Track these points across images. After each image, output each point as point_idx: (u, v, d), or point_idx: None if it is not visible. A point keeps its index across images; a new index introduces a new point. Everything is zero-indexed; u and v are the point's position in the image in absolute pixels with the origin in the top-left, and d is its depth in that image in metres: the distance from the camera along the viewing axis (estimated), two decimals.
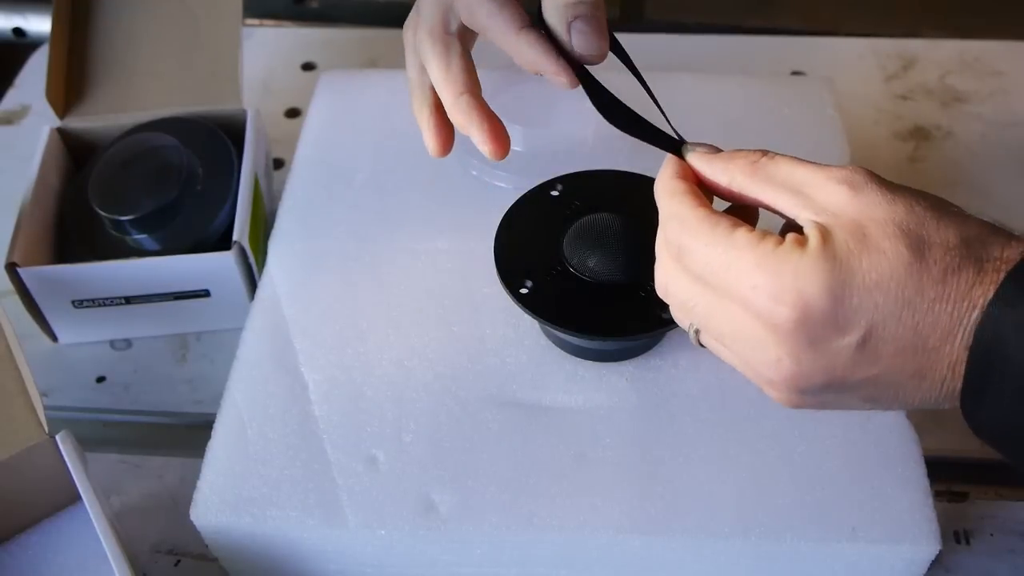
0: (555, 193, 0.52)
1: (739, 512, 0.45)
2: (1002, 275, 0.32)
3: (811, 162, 0.36)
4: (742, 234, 0.35)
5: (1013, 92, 0.78)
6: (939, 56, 0.81)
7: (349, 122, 0.63)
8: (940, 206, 0.34)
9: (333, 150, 0.62)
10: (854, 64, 0.81)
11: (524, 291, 0.48)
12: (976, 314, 0.32)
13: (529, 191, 0.53)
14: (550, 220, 0.50)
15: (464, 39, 0.46)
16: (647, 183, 0.52)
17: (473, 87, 0.46)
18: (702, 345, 0.38)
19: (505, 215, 0.52)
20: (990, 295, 0.32)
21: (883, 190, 0.34)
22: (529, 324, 0.51)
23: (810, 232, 0.34)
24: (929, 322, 0.33)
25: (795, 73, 0.80)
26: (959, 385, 0.33)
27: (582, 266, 0.48)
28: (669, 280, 0.38)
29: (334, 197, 0.59)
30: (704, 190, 0.38)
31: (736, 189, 0.37)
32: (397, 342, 0.51)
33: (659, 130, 0.41)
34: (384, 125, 0.63)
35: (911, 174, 0.72)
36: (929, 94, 0.79)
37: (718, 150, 0.39)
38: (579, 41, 0.42)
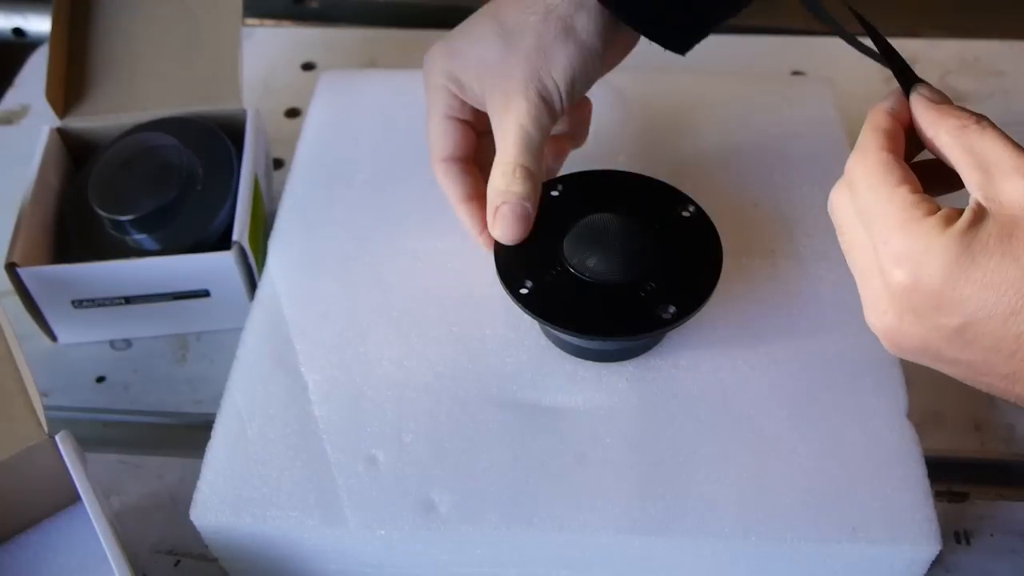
0: (555, 193, 0.52)
1: (739, 512, 0.45)
2: None
3: (1017, 144, 0.36)
4: (903, 193, 0.36)
5: (1013, 92, 0.78)
6: (939, 56, 0.81)
7: (349, 122, 0.63)
8: None
9: (333, 150, 0.62)
10: (854, 64, 0.80)
11: (524, 291, 0.48)
12: None
13: None
14: (550, 220, 0.50)
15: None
16: (647, 183, 0.53)
17: (456, 150, 0.51)
18: None
19: None
20: None
21: None
22: (529, 324, 0.51)
23: (967, 212, 0.35)
24: None
25: (795, 73, 0.80)
26: None
27: (582, 266, 0.48)
28: (836, 199, 0.40)
29: (334, 197, 0.59)
30: (912, 134, 0.39)
31: (938, 146, 0.38)
32: (397, 342, 0.51)
33: (899, 57, 0.41)
34: (384, 125, 0.63)
35: None
36: None
37: (946, 100, 0.39)
38: (500, 226, 0.48)
